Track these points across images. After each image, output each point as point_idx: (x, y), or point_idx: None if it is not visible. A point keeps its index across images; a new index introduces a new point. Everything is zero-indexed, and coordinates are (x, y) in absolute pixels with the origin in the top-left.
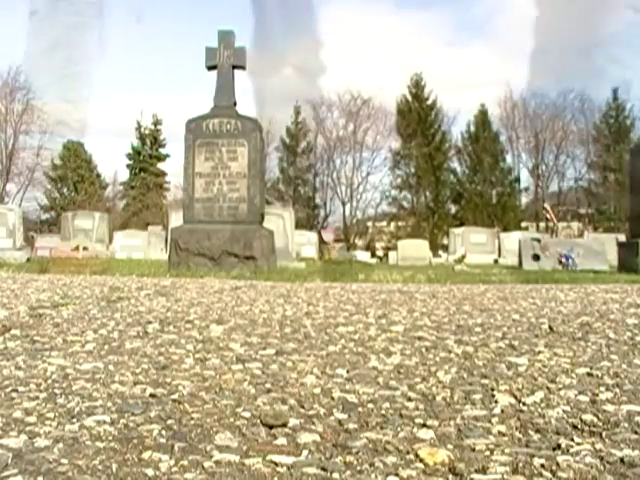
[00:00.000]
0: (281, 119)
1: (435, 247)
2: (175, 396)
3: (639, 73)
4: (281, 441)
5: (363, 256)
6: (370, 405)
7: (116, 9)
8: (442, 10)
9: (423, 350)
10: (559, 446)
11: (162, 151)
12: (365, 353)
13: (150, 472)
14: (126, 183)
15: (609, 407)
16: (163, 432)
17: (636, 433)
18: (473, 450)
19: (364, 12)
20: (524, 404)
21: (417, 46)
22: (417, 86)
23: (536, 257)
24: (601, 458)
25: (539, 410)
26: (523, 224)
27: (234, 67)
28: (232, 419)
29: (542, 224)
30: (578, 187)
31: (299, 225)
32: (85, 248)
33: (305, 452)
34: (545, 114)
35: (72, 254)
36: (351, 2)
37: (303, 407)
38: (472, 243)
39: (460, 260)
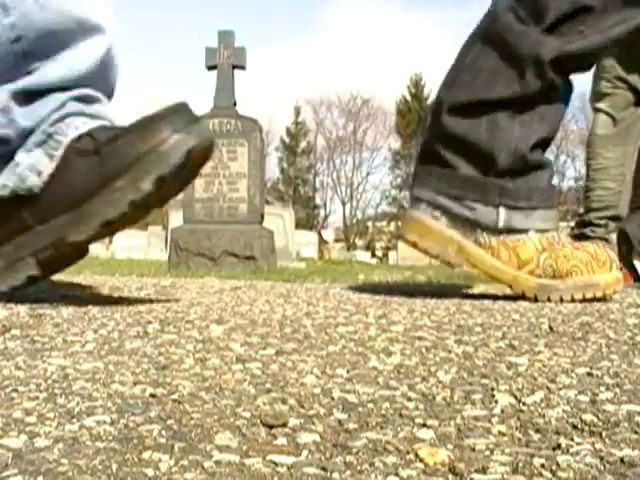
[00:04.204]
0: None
1: None
2: (175, 396)
3: None
4: (281, 441)
5: (363, 256)
6: (370, 405)
7: (114, 7)
8: (454, 9)
9: (423, 350)
10: (559, 446)
11: None
12: (365, 353)
13: (150, 472)
14: None
15: (609, 407)
16: (163, 432)
17: (636, 433)
18: (473, 450)
19: (371, 9)
20: (524, 404)
21: (422, 45)
22: (417, 86)
23: None
24: (601, 458)
25: (539, 410)
26: None
27: (234, 67)
28: (232, 419)
29: None
30: (578, 187)
31: (299, 225)
32: None
33: (305, 452)
34: None
35: None
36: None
37: (303, 407)
38: None
39: None
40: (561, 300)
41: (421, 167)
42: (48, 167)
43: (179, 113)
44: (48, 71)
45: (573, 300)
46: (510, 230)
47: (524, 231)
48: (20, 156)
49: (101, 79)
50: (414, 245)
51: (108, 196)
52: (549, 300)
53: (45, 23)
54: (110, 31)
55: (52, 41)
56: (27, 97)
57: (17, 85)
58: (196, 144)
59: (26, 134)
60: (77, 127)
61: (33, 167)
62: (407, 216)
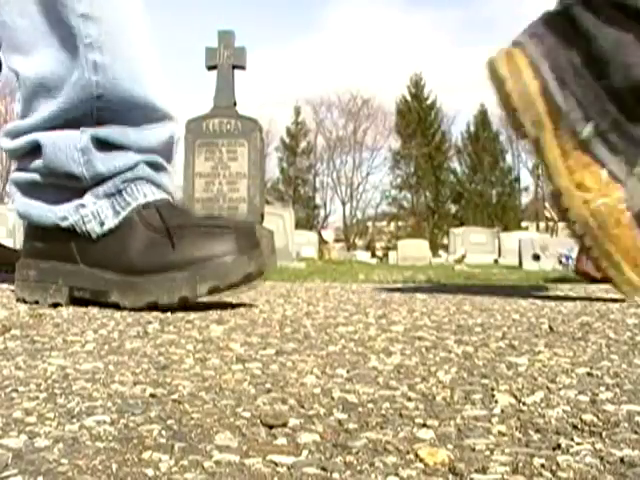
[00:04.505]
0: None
1: (435, 247)
2: (175, 396)
3: None
4: (281, 441)
5: (363, 256)
6: (370, 405)
7: None
8: (454, 9)
9: (423, 350)
10: (559, 446)
11: None
12: (365, 353)
13: (150, 472)
14: None
15: (609, 407)
16: (163, 432)
17: (636, 433)
18: (473, 450)
19: (371, 9)
20: (524, 404)
21: (422, 45)
22: (417, 86)
23: (536, 257)
24: (601, 458)
25: (539, 410)
26: (523, 224)
27: (234, 67)
28: (232, 419)
29: (542, 224)
30: None
31: (299, 225)
32: None
33: (305, 452)
34: None
35: None
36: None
37: (303, 407)
38: (472, 243)
39: (460, 260)
40: (587, 255)
41: (539, 23)
42: (111, 221)
43: (246, 234)
44: (122, 132)
45: (597, 268)
46: (585, 152)
47: (601, 165)
48: (87, 199)
49: (166, 156)
50: (501, 83)
51: (164, 282)
52: (580, 238)
53: (128, 93)
54: (176, 120)
55: (129, 112)
56: (105, 145)
57: (97, 131)
58: (254, 271)
59: (100, 179)
60: (145, 194)
61: (97, 215)
62: (510, 45)
